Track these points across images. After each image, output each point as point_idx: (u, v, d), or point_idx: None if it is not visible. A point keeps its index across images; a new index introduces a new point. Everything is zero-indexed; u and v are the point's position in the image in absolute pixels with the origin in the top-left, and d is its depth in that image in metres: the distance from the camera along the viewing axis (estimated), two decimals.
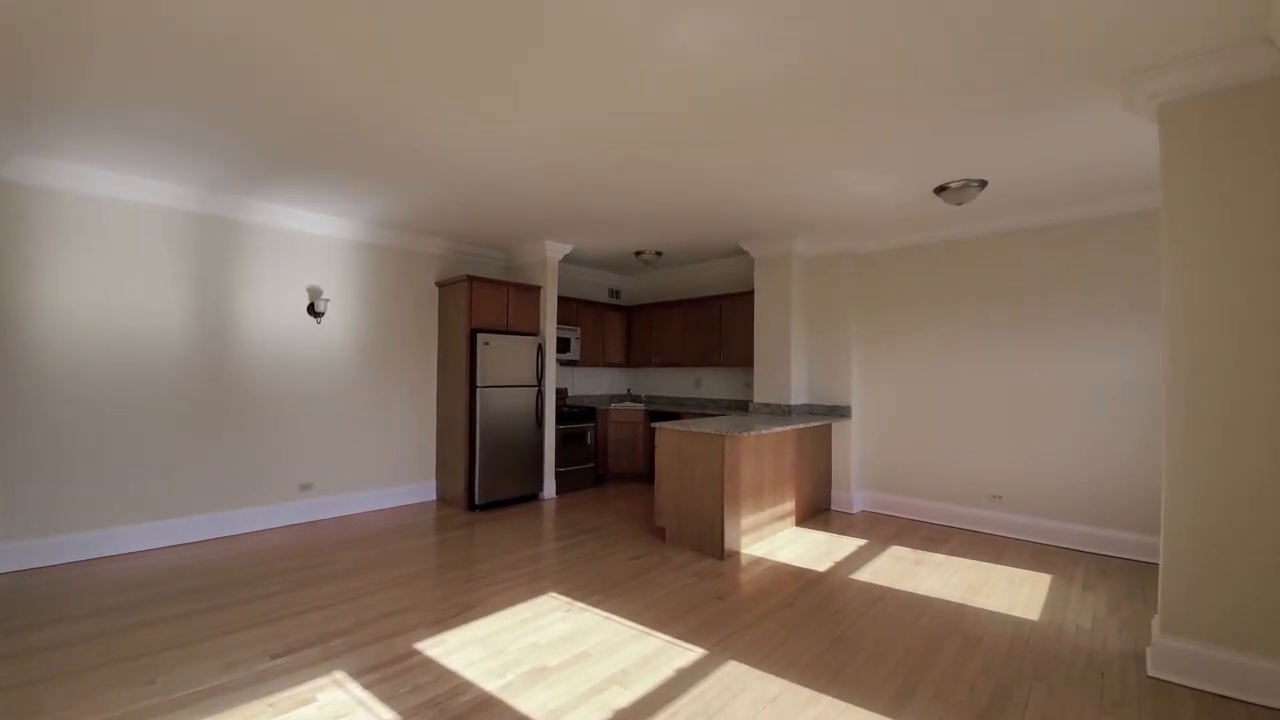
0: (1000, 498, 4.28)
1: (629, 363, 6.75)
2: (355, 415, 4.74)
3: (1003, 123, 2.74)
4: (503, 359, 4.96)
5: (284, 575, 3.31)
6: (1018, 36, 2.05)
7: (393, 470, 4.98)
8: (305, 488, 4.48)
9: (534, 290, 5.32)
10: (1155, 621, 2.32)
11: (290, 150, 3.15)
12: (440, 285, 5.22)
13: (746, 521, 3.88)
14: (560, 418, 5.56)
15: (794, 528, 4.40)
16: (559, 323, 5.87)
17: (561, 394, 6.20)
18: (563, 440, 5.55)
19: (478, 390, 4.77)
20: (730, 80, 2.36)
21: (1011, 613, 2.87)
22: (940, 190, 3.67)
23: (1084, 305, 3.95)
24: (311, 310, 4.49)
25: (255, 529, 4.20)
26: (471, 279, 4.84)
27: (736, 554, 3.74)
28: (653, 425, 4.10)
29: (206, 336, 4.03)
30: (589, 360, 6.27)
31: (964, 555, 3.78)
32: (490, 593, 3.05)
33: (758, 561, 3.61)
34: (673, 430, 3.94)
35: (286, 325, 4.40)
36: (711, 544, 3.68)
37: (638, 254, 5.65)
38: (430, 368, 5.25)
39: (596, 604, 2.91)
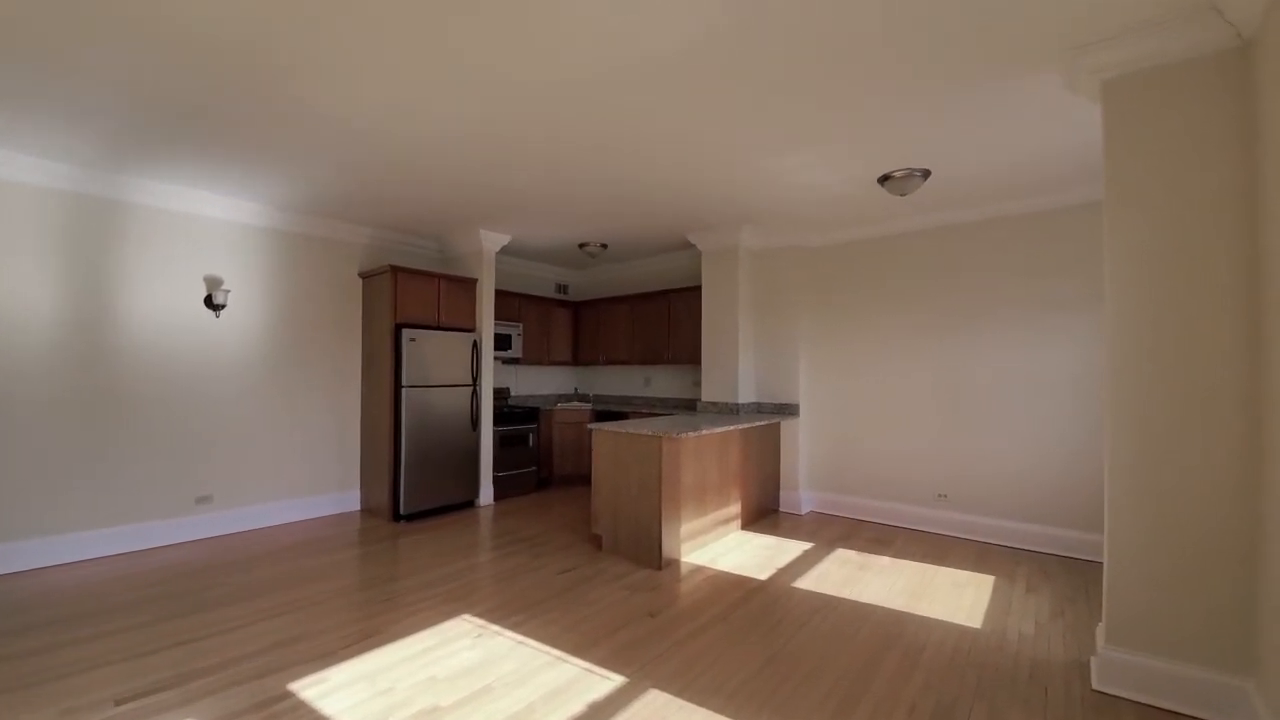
0: (946, 496, 4.20)
1: (576, 361, 6.46)
2: (262, 419, 4.29)
3: (941, 104, 2.59)
4: (433, 356, 4.60)
5: (164, 601, 2.89)
6: (953, 6, 1.88)
7: (308, 479, 4.55)
8: (203, 500, 4.02)
9: (469, 283, 4.98)
10: (1100, 629, 2.20)
11: (176, 120, 2.74)
12: (364, 277, 4.82)
13: (688, 527, 3.65)
14: (500, 419, 5.23)
15: (740, 532, 4.21)
16: (499, 319, 5.54)
17: (503, 394, 5.86)
18: (501, 443, 5.22)
19: (403, 390, 4.39)
20: (648, 48, 2.11)
21: (954, 620, 2.73)
22: (884, 180, 3.53)
23: (1027, 300, 3.90)
24: (209, 303, 4.03)
25: (145, 547, 3.73)
26: (396, 269, 4.46)
27: (676, 563, 3.51)
28: (588, 427, 3.83)
29: (84, 333, 3.54)
30: (533, 358, 5.95)
31: (909, 557, 3.65)
32: (396, 617, 2.72)
33: (697, 571, 3.39)
34: (609, 432, 3.69)
35: (179, 319, 3.93)
36: (649, 553, 3.45)
37: (582, 246, 5.37)
38: (354, 367, 4.84)
39: (514, 626, 2.62)
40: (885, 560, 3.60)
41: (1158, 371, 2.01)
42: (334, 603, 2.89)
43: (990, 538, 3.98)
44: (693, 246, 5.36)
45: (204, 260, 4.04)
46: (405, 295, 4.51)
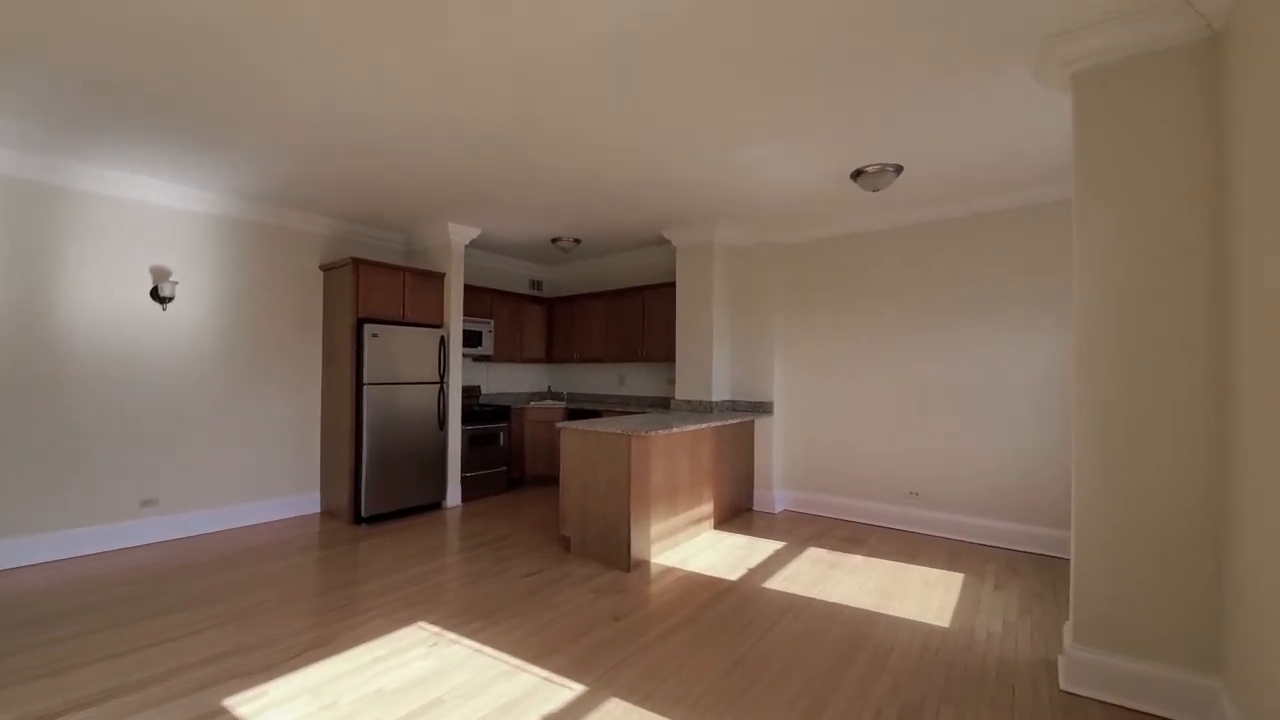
0: (918, 494, 4.19)
1: (550, 358, 6.33)
2: (213, 418, 4.09)
3: (910, 97, 2.56)
4: (397, 353, 4.44)
5: (99, 610, 2.71)
6: None
7: (264, 481, 4.35)
8: (148, 503, 3.81)
9: (436, 277, 4.82)
10: (1067, 628, 2.17)
11: (117, 99, 2.55)
12: (325, 269, 4.63)
13: (658, 528, 3.57)
14: (469, 417, 5.08)
15: (712, 531, 4.14)
16: (469, 315, 5.39)
17: (473, 392, 5.71)
18: (470, 442, 5.07)
19: (364, 388, 4.23)
20: (612, 24, 2.02)
21: (924, 619, 2.70)
22: (857, 175, 3.49)
23: (998, 298, 3.90)
24: (155, 295, 3.82)
25: (83, 553, 3.51)
26: (358, 262, 4.29)
27: (645, 564, 3.42)
28: (556, 426, 3.73)
29: (19, 325, 3.32)
30: (505, 355, 5.81)
31: (881, 556, 3.63)
32: (348, 625, 2.58)
33: (667, 572, 3.31)
34: (577, 430, 3.58)
35: (123, 312, 3.71)
36: (617, 554, 3.35)
37: (555, 241, 5.25)
38: (314, 363, 4.65)
39: (473, 633, 2.50)
40: (857, 559, 3.56)
41: (1125, 367, 1.98)
42: (282, 611, 2.73)
43: (961, 535, 3.98)
44: (668, 242, 5.28)
45: (150, 250, 3.82)
46: (368, 289, 4.35)
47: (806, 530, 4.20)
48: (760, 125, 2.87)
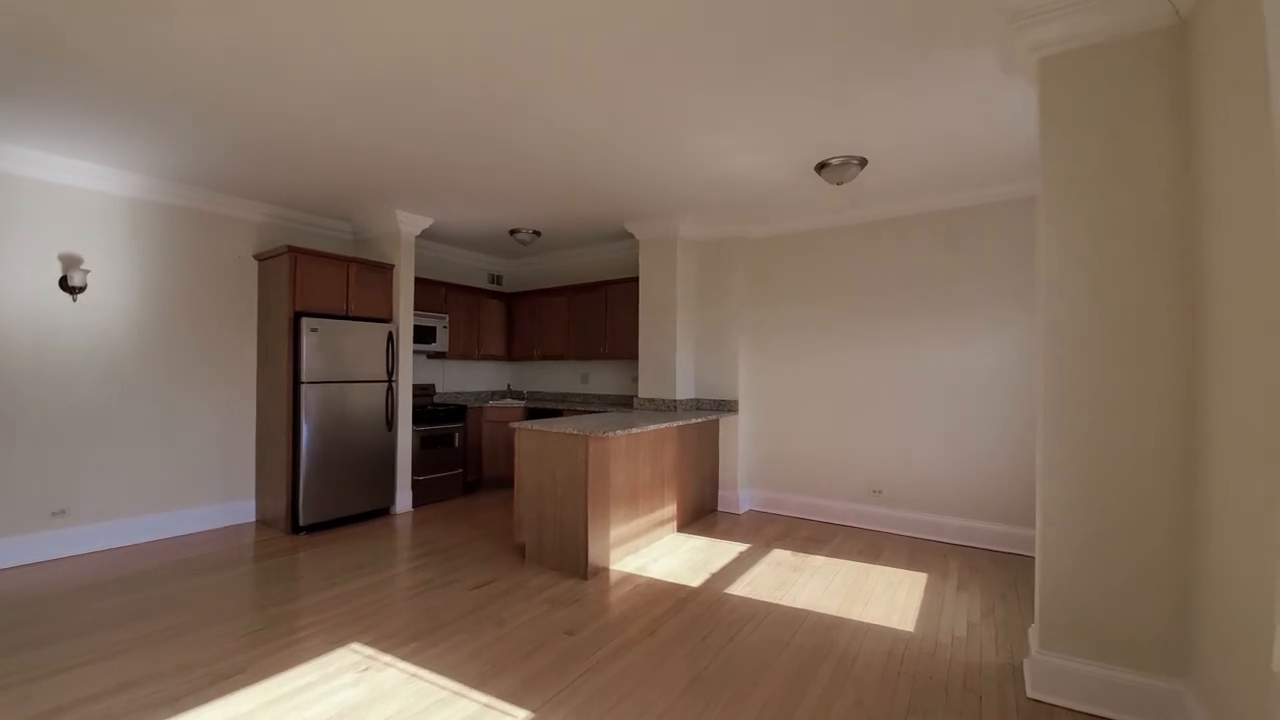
0: (880, 492, 4.15)
1: (510, 356, 6.10)
2: (135, 420, 3.73)
3: (874, 87, 2.46)
4: (340, 349, 4.15)
5: None
6: None
7: (192, 488, 4.01)
8: (59, 514, 3.44)
9: (385, 269, 4.54)
10: (1033, 631, 2.11)
11: (16, 59, 2.24)
12: (260, 259, 4.30)
13: (618, 532, 3.42)
14: (421, 417, 4.82)
15: (675, 534, 4.01)
16: (422, 309, 5.12)
17: (427, 390, 5.44)
18: (423, 444, 4.81)
19: (302, 387, 3.93)
20: (556, 10, 1.85)
21: (888, 623, 2.62)
22: (821, 168, 3.41)
23: (964, 295, 3.88)
24: (65, 284, 3.45)
25: None
26: (294, 251, 3.98)
27: (605, 571, 3.26)
28: (511, 425, 3.53)
29: None
30: (461, 352, 5.55)
31: (844, 555, 3.56)
32: (271, 649, 2.34)
33: (627, 579, 3.16)
34: (532, 430, 3.39)
35: (27, 304, 3.33)
36: (575, 562, 3.18)
37: (513, 233, 5.03)
38: (248, 360, 4.32)
39: (410, 655, 2.30)
40: (820, 560, 3.48)
41: (1093, 363, 1.92)
42: (198, 634, 2.47)
43: (923, 533, 3.95)
44: (632, 236, 5.12)
45: (59, 236, 3.45)
46: (307, 280, 4.04)
47: (771, 531, 4.12)
48: (713, 112, 2.73)
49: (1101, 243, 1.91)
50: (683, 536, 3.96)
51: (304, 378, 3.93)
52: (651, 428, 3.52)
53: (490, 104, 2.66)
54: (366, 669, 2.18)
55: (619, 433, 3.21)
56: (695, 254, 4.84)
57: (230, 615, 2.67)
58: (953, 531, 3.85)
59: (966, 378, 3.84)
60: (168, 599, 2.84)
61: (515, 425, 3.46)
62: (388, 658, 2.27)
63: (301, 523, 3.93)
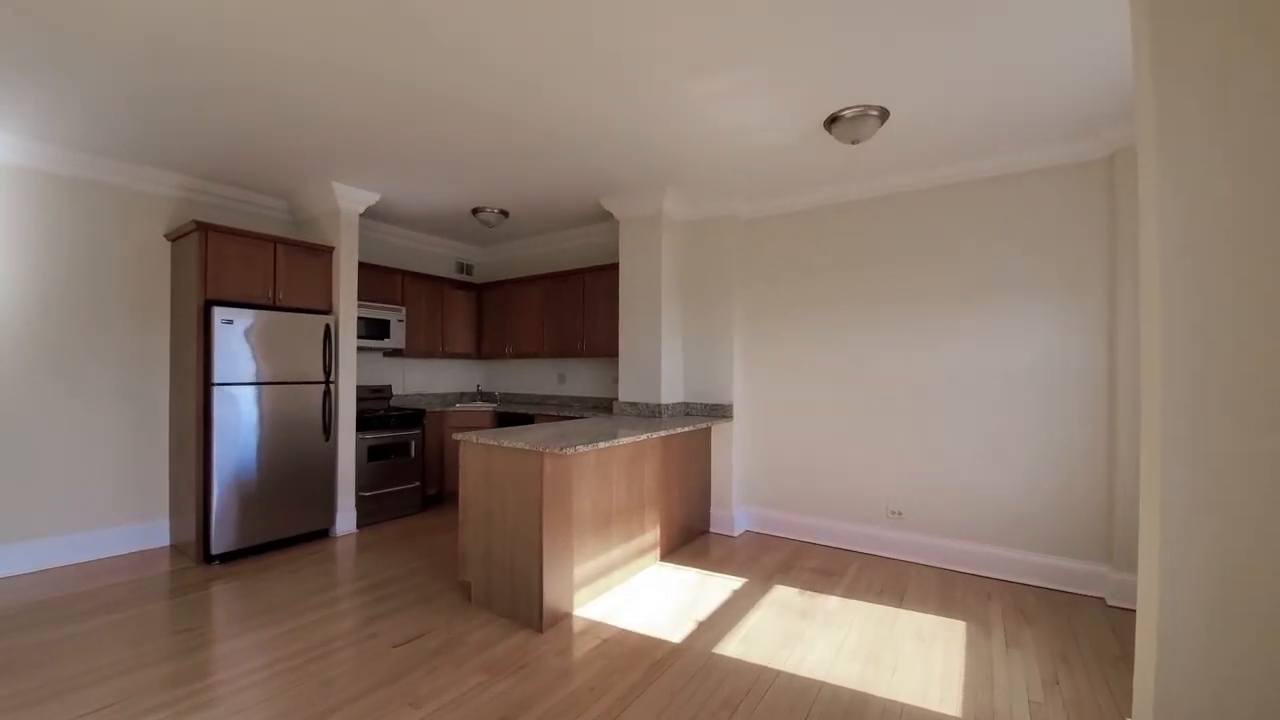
0: (900, 514, 3.53)
1: (479, 353, 5.47)
2: (13, 428, 3.10)
3: (902, 9, 1.84)
4: (265, 344, 3.52)
5: None
6: None
7: (98, 507, 3.38)
8: None
9: (322, 252, 3.91)
10: None
11: None
12: (171, 239, 3.67)
13: (584, 569, 2.79)
14: (370, 423, 4.19)
15: (658, 564, 3.39)
16: (374, 300, 4.49)
17: (383, 393, 4.81)
18: (372, 454, 4.19)
19: (214, 389, 3.30)
20: None
21: (926, 703, 2.00)
22: (832, 122, 2.79)
23: (1007, 279, 3.26)
24: None
25: None
26: (205, 227, 3.35)
27: (566, 619, 2.64)
28: (454, 436, 2.90)
29: None
30: (422, 349, 4.92)
31: (861, 594, 2.94)
32: None
33: (593, 630, 2.54)
34: (480, 444, 2.77)
35: None
36: (527, 608, 2.56)
37: (475, 212, 4.40)
38: (160, 359, 3.69)
39: None
40: (833, 602, 2.86)
41: (1222, 353, 1.30)
42: (38, 709, 1.84)
43: (953, 563, 3.33)
44: (612, 218, 4.50)
45: None
46: (222, 262, 3.41)
47: (772, 559, 3.50)
48: (700, 45, 2.11)
49: (1242, 187, 1.29)
50: (666, 568, 3.34)
51: (215, 378, 3.30)
52: (628, 439, 2.89)
53: (429, 46, 2.03)
54: None
55: (583, 448, 2.58)
56: (683, 236, 4.22)
57: (80, 684, 2.04)
58: (989, 562, 3.23)
59: (1003, 377, 3.22)
60: (27, 654, 2.22)
61: (460, 436, 2.84)
62: None
63: (213, 550, 3.30)
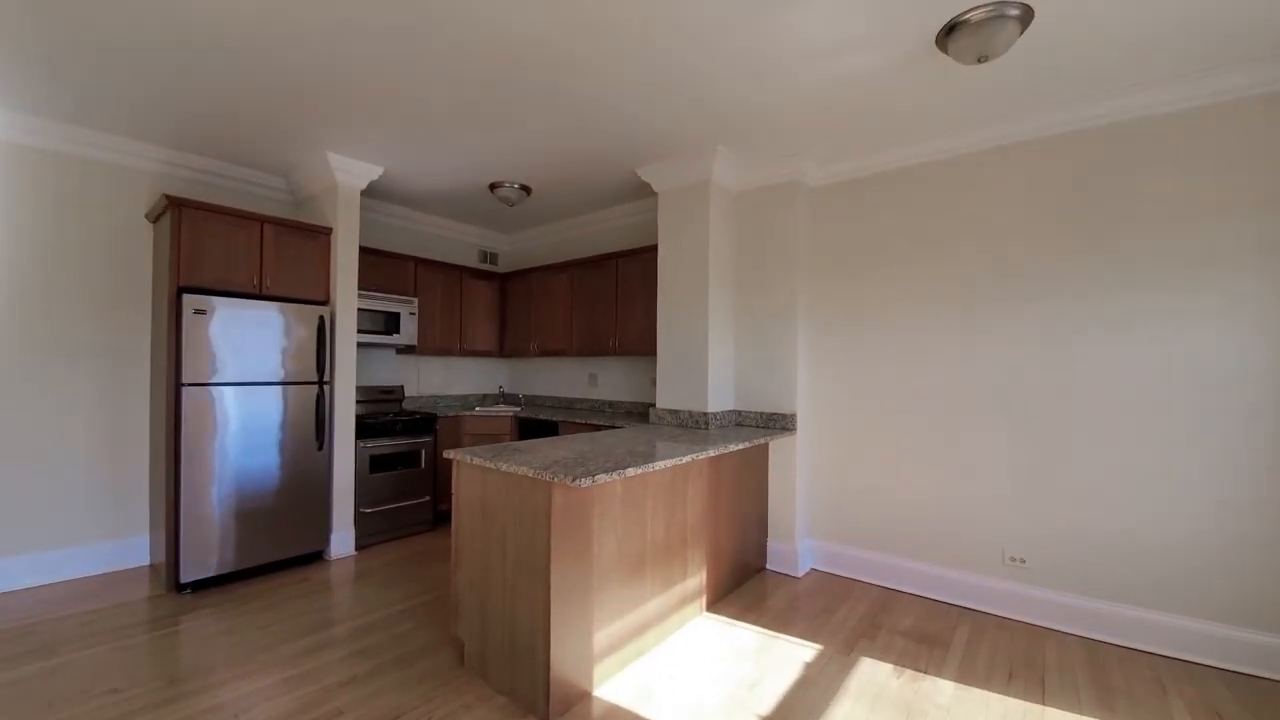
0: (1023, 562, 2.72)
1: (502, 351, 4.92)
2: None
3: None
4: (247, 339, 3.04)
5: None
6: None
7: (72, 521, 2.99)
8: None
9: (318, 234, 3.41)
10: None
11: None
12: (152, 220, 3.25)
13: (610, 631, 2.14)
14: (374, 430, 3.68)
15: (703, 616, 2.70)
16: (384, 290, 4.00)
17: (394, 394, 4.31)
18: (374, 464, 3.67)
19: (184, 390, 2.83)
20: None
21: None
22: (950, 32, 2.04)
23: (1177, 256, 2.42)
24: None
25: None
26: (177, 203, 2.88)
27: (584, 701, 1.99)
28: (446, 454, 2.29)
29: None
30: (436, 346, 4.40)
31: (984, 679, 2.17)
32: None
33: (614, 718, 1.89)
34: (475, 466, 2.16)
35: None
36: (530, 685, 1.93)
37: (494, 188, 3.83)
38: (140, 355, 3.28)
39: None
40: (946, 689, 2.10)
41: None
42: None
43: (1101, 633, 2.50)
44: (649, 193, 3.84)
45: None
46: (196, 243, 2.94)
47: (849, 614, 2.75)
48: None
49: None
50: (715, 622, 2.65)
51: (186, 378, 2.83)
52: (667, 463, 2.21)
53: None
54: None
55: (604, 477, 1.91)
56: (736, 208, 3.51)
57: None
58: (1154, 634, 2.39)
59: (1192, 381, 2.37)
60: None
61: (453, 456, 2.23)
62: None
63: (183, 578, 2.83)
